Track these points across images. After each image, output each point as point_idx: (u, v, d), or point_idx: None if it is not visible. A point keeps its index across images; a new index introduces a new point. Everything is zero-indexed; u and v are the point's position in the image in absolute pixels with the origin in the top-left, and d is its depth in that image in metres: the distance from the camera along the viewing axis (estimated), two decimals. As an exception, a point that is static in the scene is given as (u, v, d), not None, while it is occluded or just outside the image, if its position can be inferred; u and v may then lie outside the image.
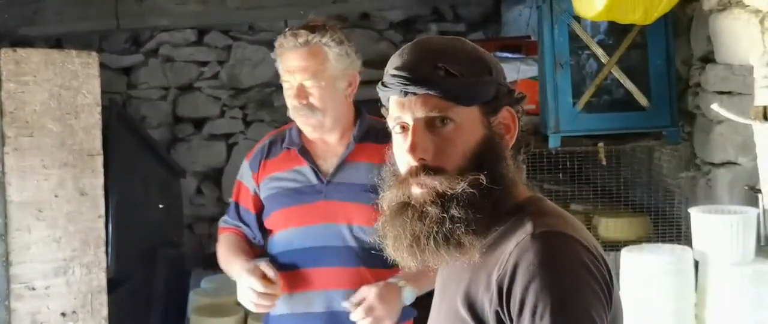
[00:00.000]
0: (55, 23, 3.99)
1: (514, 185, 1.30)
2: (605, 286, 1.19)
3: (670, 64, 2.81)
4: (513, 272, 1.17)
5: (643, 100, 2.82)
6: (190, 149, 5.26)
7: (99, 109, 2.84)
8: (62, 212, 2.75)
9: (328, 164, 2.25)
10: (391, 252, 1.29)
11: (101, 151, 2.84)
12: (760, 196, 2.28)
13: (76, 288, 2.78)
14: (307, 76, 2.16)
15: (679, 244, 2.47)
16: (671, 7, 2.46)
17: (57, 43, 4.70)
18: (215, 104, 5.28)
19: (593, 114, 2.90)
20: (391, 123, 1.30)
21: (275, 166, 2.31)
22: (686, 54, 2.83)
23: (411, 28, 5.34)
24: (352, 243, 2.19)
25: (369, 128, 2.26)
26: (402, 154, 1.27)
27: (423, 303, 1.90)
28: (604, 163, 2.87)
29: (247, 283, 2.14)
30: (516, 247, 1.20)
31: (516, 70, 3.25)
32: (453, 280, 1.32)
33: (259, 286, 2.11)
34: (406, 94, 1.26)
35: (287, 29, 2.22)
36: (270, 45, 2.32)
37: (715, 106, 2.25)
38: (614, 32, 2.94)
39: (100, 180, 2.84)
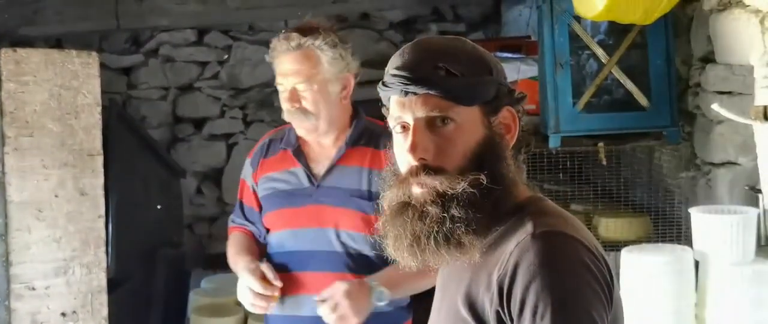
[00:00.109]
0: (55, 23, 3.99)
1: (515, 185, 1.30)
2: (606, 285, 1.19)
3: (670, 64, 2.81)
4: (513, 272, 1.17)
5: (643, 100, 2.82)
6: (190, 149, 5.26)
7: (99, 109, 2.84)
8: (62, 212, 2.75)
9: (320, 167, 2.25)
10: (392, 251, 1.29)
11: (101, 151, 2.84)
12: (760, 196, 2.28)
13: (76, 288, 2.78)
14: (300, 80, 2.15)
15: (680, 244, 2.47)
16: (671, 7, 2.46)
17: (57, 43, 4.70)
18: (215, 104, 5.28)
19: (593, 114, 2.90)
20: (392, 123, 1.30)
21: (271, 166, 2.32)
22: (686, 54, 2.83)
23: (411, 28, 5.34)
24: (339, 248, 2.19)
25: (364, 131, 2.25)
26: (402, 154, 1.27)
27: (423, 304, 1.90)
28: (605, 163, 2.87)
29: (246, 283, 2.14)
30: (516, 246, 1.20)
31: (516, 70, 3.25)
32: (453, 280, 1.32)
33: (258, 287, 2.12)
34: (406, 93, 1.26)
35: (280, 32, 2.22)
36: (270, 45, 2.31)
37: (715, 106, 2.25)
38: (614, 32, 2.94)
39: (100, 180, 2.84)
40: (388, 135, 2.18)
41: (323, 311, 2.07)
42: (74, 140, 2.77)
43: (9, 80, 2.68)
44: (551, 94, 2.85)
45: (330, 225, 2.19)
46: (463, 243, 1.22)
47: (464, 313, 1.24)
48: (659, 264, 2.26)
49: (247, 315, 3.81)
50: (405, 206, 1.26)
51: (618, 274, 2.01)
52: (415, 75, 1.25)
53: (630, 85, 2.83)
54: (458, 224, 1.22)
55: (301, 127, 2.22)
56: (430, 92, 1.24)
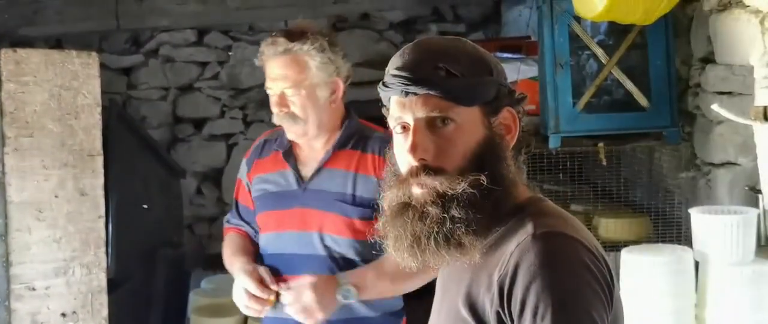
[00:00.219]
0: (55, 23, 3.99)
1: (515, 186, 1.30)
2: (606, 286, 1.19)
3: (670, 64, 2.82)
4: (514, 273, 1.17)
5: (643, 101, 2.82)
6: (190, 149, 5.26)
7: (99, 109, 2.84)
8: (62, 212, 2.75)
9: (308, 170, 2.24)
10: (392, 252, 1.29)
11: (101, 152, 2.84)
12: (760, 196, 2.28)
13: (76, 288, 2.78)
14: (288, 85, 2.15)
15: (680, 244, 2.47)
16: (671, 8, 2.46)
17: (57, 43, 4.71)
18: (215, 104, 5.28)
19: (593, 114, 2.90)
20: (392, 123, 1.30)
21: (264, 167, 2.32)
22: (686, 54, 2.83)
23: (411, 28, 5.34)
24: (322, 252, 2.18)
25: (353, 134, 2.24)
26: (402, 154, 1.27)
27: (423, 305, 1.90)
28: (605, 163, 2.87)
29: (242, 284, 2.14)
30: (517, 247, 1.20)
31: (516, 71, 3.25)
32: (454, 280, 1.32)
33: (254, 288, 2.11)
34: (406, 94, 1.26)
35: (269, 36, 2.21)
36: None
37: (715, 107, 2.25)
38: (614, 32, 2.94)
39: (100, 180, 2.84)
40: (379, 139, 2.20)
41: (287, 300, 2.07)
42: (74, 140, 2.77)
43: (9, 80, 2.68)
44: (551, 94, 2.85)
45: (315, 228, 2.19)
46: (464, 243, 1.22)
47: (464, 313, 1.24)
48: (659, 264, 2.26)
49: (247, 316, 3.81)
50: (405, 207, 1.26)
51: (618, 274, 2.02)
52: (416, 75, 1.25)
53: (630, 86, 2.83)
54: (458, 225, 1.22)
55: (290, 131, 2.21)
56: (431, 92, 1.24)
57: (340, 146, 2.22)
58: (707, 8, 2.55)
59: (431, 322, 1.40)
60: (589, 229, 1.30)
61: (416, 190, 1.25)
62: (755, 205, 2.30)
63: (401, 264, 1.30)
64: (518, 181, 1.32)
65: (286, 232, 2.23)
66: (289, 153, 2.27)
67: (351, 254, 2.17)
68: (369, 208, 2.15)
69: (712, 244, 2.21)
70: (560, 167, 2.87)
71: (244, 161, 2.39)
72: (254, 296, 2.11)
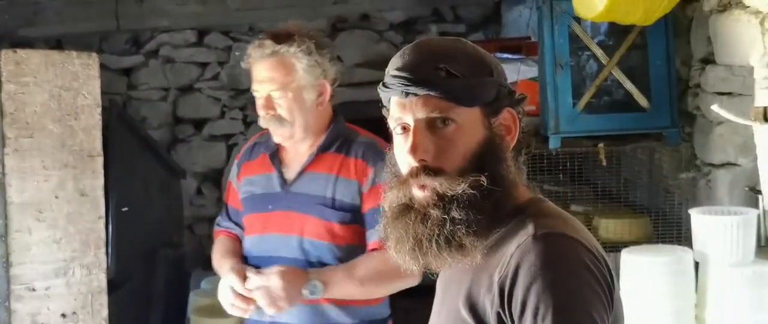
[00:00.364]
0: (55, 24, 3.99)
1: (515, 187, 1.30)
2: (607, 287, 1.19)
3: (670, 64, 2.81)
4: (514, 274, 1.17)
5: (643, 101, 2.82)
6: (191, 150, 5.26)
7: (99, 110, 2.84)
8: (62, 213, 2.75)
9: (292, 172, 2.24)
10: (393, 254, 1.29)
11: (101, 152, 2.84)
12: (760, 197, 2.28)
13: (76, 289, 2.78)
14: (274, 87, 2.14)
15: (680, 245, 2.47)
16: (671, 8, 2.46)
17: (57, 44, 4.71)
18: (215, 105, 5.28)
19: (593, 115, 2.90)
20: (392, 124, 1.30)
21: (252, 169, 2.32)
22: (686, 55, 2.83)
23: (411, 29, 5.34)
24: (299, 255, 2.17)
25: (337, 137, 2.24)
26: (403, 155, 1.27)
27: (422, 307, 1.90)
28: (605, 163, 2.87)
29: (228, 282, 2.14)
30: (517, 248, 1.20)
31: (516, 71, 3.25)
32: (454, 282, 1.31)
33: (239, 286, 2.11)
34: (407, 94, 1.26)
35: (256, 38, 2.21)
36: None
37: (715, 107, 2.25)
38: (614, 33, 2.94)
39: (101, 181, 2.83)
40: (363, 143, 2.20)
41: (251, 283, 2.07)
42: (74, 141, 2.77)
43: (9, 81, 2.68)
44: (551, 94, 2.85)
45: (295, 232, 2.18)
46: (465, 245, 1.22)
47: (465, 314, 1.24)
48: (659, 265, 2.26)
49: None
50: (407, 209, 1.26)
51: (618, 274, 2.01)
52: (416, 76, 1.25)
53: (630, 86, 2.83)
54: (459, 226, 1.22)
55: (277, 134, 2.21)
56: (431, 93, 1.24)
57: (323, 149, 2.21)
58: (707, 9, 2.55)
59: (431, 323, 1.40)
60: (589, 229, 1.30)
61: (417, 193, 1.25)
62: (755, 205, 2.30)
63: (403, 267, 1.30)
64: (518, 181, 1.32)
65: (268, 235, 2.23)
66: (275, 155, 2.27)
67: (329, 258, 2.17)
68: (349, 213, 2.16)
69: (712, 244, 2.21)
70: (560, 168, 2.87)
71: (235, 164, 2.40)
72: (240, 295, 2.11)
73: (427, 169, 1.24)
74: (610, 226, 2.82)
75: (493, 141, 1.27)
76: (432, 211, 1.23)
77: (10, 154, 2.68)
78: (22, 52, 2.72)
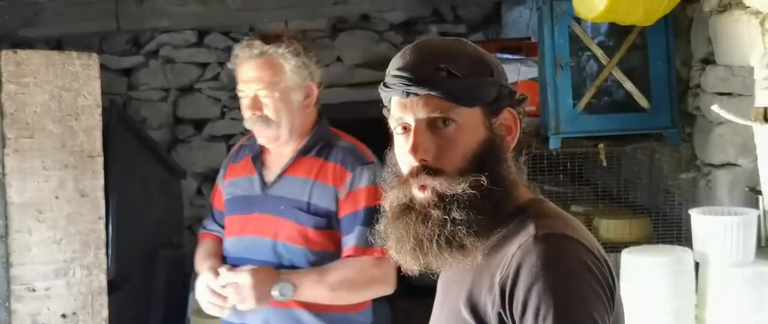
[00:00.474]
0: (55, 24, 3.98)
1: (516, 187, 1.30)
2: (607, 287, 1.19)
3: (670, 65, 2.81)
4: (516, 274, 1.18)
5: (643, 102, 2.82)
6: (191, 150, 5.26)
7: (99, 110, 2.84)
8: (63, 214, 2.75)
9: (272, 175, 2.24)
10: (394, 254, 1.29)
11: (102, 153, 2.84)
12: (760, 197, 2.28)
13: (76, 289, 2.78)
14: (261, 87, 2.15)
15: (680, 245, 2.47)
16: (671, 9, 2.46)
17: (57, 44, 4.70)
18: (216, 105, 5.29)
19: (593, 115, 2.89)
20: (393, 124, 1.30)
21: (236, 171, 2.33)
22: (686, 55, 2.83)
23: (411, 29, 5.34)
24: (273, 259, 2.17)
25: (319, 141, 2.24)
26: (403, 155, 1.27)
27: (422, 307, 1.89)
28: (605, 164, 2.87)
29: (206, 280, 2.14)
30: (519, 249, 1.20)
31: (516, 72, 3.25)
32: (455, 282, 1.32)
33: (212, 282, 2.11)
34: (408, 94, 1.26)
35: (243, 39, 2.22)
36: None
37: (715, 108, 2.25)
38: (614, 33, 2.94)
39: (101, 181, 2.83)
40: (342, 148, 2.21)
41: (224, 280, 2.08)
42: (74, 142, 2.77)
43: (9, 82, 2.68)
44: (551, 95, 2.85)
45: (269, 235, 2.19)
46: (465, 245, 1.23)
47: (466, 314, 1.24)
48: (659, 265, 2.26)
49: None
50: (407, 209, 1.27)
51: (618, 275, 2.01)
52: (417, 76, 1.25)
53: (630, 87, 2.83)
54: (460, 227, 1.22)
55: (262, 136, 2.21)
56: (432, 93, 1.24)
57: (303, 153, 2.21)
58: (707, 9, 2.55)
59: (432, 323, 1.40)
60: (589, 230, 1.30)
61: (418, 194, 1.25)
62: (755, 206, 2.30)
63: (405, 268, 1.30)
64: (519, 182, 1.32)
65: (246, 237, 2.23)
66: (257, 157, 2.27)
67: (303, 263, 2.16)
68: (324, 218, 2.15)
69: (712, 245, 2.21)
70: (560, 168, 2.86)
71: (223, 165, 2.41)
72: (215, 293, 2.11)
73: (427, 169, 1.24)
74: (611, 227, 2.82)
75: (493, 141, 1.27)
76: (432, 211, 1.23)
77: (11, 155, 2.68)
78: (22, 53, 2.72)
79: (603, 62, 2.84)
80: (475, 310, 1.23)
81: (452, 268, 1.30)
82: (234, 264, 2.20)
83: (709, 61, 2.64)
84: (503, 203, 1.26)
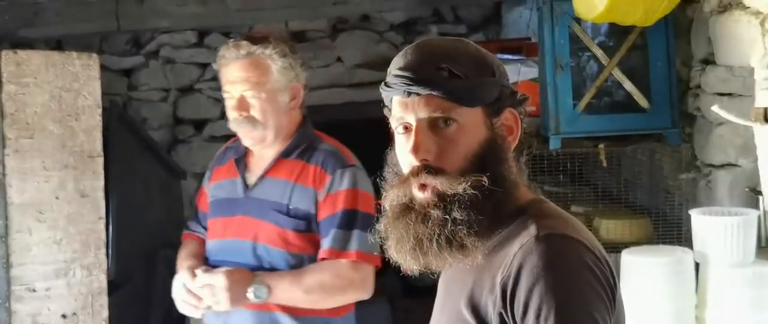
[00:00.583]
0: (55, 25, 3.98)
1: (516, 187, 1.30)
2: (609, 288, 1.19)
3: (670, 65, 2.82)
4: (517, 274, 1.18)
5: (643, 102, 2.83)
6: (191, 151, 5.26)
7: (99, 110, 2.84)
8: (63, 214, 2.75)
9: (253, 177, 2.24)
10: (394, 254, 1.29)
11: (102, 153, 2.84)
12: (760, 197, 2.28)
13: (76, 290, 2.78)
14: (248, 87, 2.15)
15: (680, 245, 2.47)
16: (672, 9, 2.46)
17: (57, 44, 4.70)
18: (216, 106, 5.28)
19: (594, 115, 2.90)
20: (394, 123, 1.30)
21: (220, 174, 2.33)
22: (687, 55, 2.83)
23: (411, 29, 5.34)
24: (253, 261, 2.17)
25: (301, 144, 2.23)
26: (404, 155, 1.27)
27: (422, 307, 1.89)
28: (605, 164, 2.87)
29: (182, 279, 2.15)
30: (520, 249, 1.20)
31: (516, 72, 3.26)
32: (456, 282, 1.32)
33: (189, 282, 2.12)
34: (409, 94, 1.26)
35: (230, 40, 2.23)
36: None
37: (715, 108, 2.25)
38: (615, 34, 2.94)
39: (101, 182, 2.84)
40: (324, 151, 2.21)
41: (200, 281, 2.09)
42: (75, 142, 2.77)
43: (9, 82, 2.68)
44: (551, 95, 2.85)
45: (249, 237, 2.18)
46: (466, 245, 1.23)
47: (467, 315, 1.24)
48: (659, 265, 2.26)
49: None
50: (407, 209, 1.27)
51: (619, 275, 2.01)
52: (418, 76, 1.25)
53: (630, 87, 2.83)
54: (460, 226, 1.22)
55: (248, 137, 2.20)
56: (433, 93, 1.24)
57: (285, 155, 2.21)
58: (707, 9, 2.55)
59: (432, 323, 1.40)
60: (589, 230, 1.30)
61: (418, 194, 1.25)
62: (755, 206, 2.30)
63: (405, 268, 1.30)
64: (520, 182, 1.32)
65: (227, 240, 2.23)
66: (241, 160, 2.27)
67: (282, 265, 2.15)
68: (304, 221, 2.15)
69: (712, 245, 2.21)
70: (561, 168, 2.87)
71: (209, 168, 2.40)
72: (191, 292, 2.12)
73: (428, 169, 1.24)
74: (611, 227, 2.82)
75: (494, 141, 1.27)
76: (433, 211, 1.23)
77: (11, 155, 2.68)
78: (22, 53, 2.73)
79: (603, 62, 2.84)
80: (476, 310, 1.23)
81: (453, 268, 1.30)
82: (215, 265, 2.20)
83: (709, 61, 2.64)
84: (504, 203, 1.26)
